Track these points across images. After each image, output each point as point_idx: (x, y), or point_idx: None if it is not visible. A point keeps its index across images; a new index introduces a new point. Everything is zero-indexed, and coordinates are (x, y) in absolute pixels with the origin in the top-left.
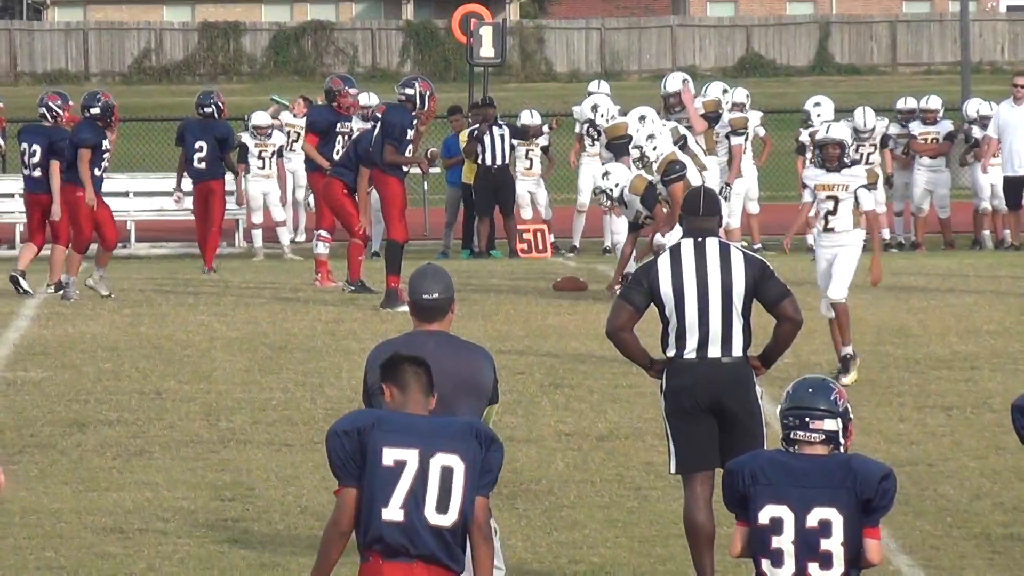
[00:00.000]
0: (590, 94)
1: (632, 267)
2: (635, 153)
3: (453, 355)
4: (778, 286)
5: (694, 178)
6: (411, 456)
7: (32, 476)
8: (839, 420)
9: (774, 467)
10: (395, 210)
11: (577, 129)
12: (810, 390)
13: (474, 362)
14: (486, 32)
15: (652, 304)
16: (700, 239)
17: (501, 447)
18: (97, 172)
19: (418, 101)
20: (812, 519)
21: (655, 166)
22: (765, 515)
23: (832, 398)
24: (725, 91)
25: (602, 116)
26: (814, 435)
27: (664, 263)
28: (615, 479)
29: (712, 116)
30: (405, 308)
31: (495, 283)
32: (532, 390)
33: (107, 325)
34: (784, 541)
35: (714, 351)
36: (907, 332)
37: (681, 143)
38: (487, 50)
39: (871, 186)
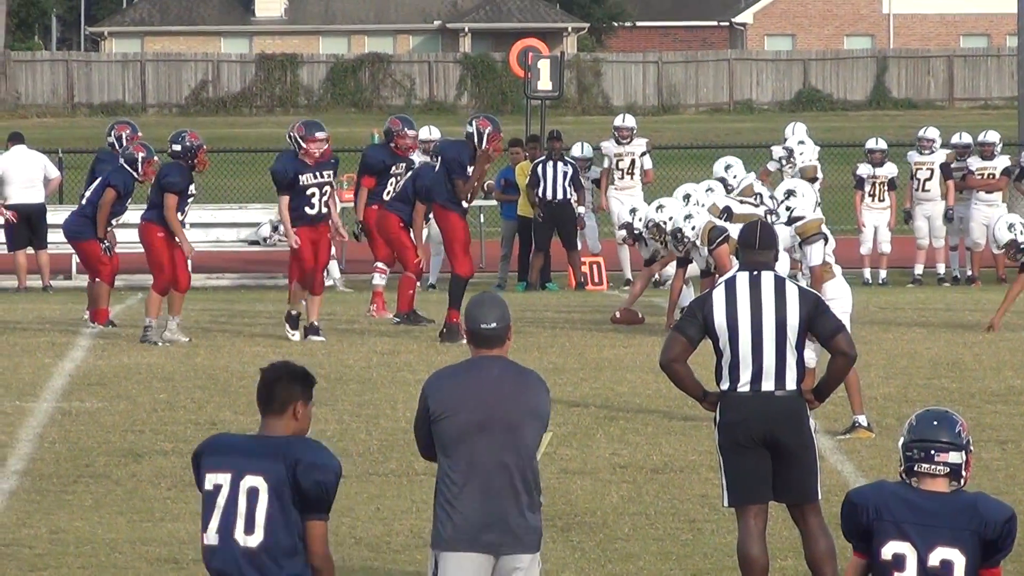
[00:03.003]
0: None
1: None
2: (677, 236)
3: (516, 381)
4: (832, 320)
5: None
6: (225, 479)
7: (87, 506)
8: (963, 453)
9: (898, 503)
10: (458, 245)
11: (606, 164)
12: (935, 423)
13: (536, 388)
14: (544, 65)
15: (707, 336)
16: (755, 272)
17: (323, 468)
18: (180, 216)
19: (476, 138)
20: (934, 558)
21: (697, 242)
22: (888, 551)
23: (957, 431)
24: (802, 142)
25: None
26: (939, 467)
27: (719, 296)
28: (669, 512)
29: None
30: (464, 342)
31: (550, 316)
32: (587, 422)
33: (162, 356)
34: None
35: (768, 385)
36: (962, 366)
37: (727, 213)
38: (544, 83)
39: (811, 238)
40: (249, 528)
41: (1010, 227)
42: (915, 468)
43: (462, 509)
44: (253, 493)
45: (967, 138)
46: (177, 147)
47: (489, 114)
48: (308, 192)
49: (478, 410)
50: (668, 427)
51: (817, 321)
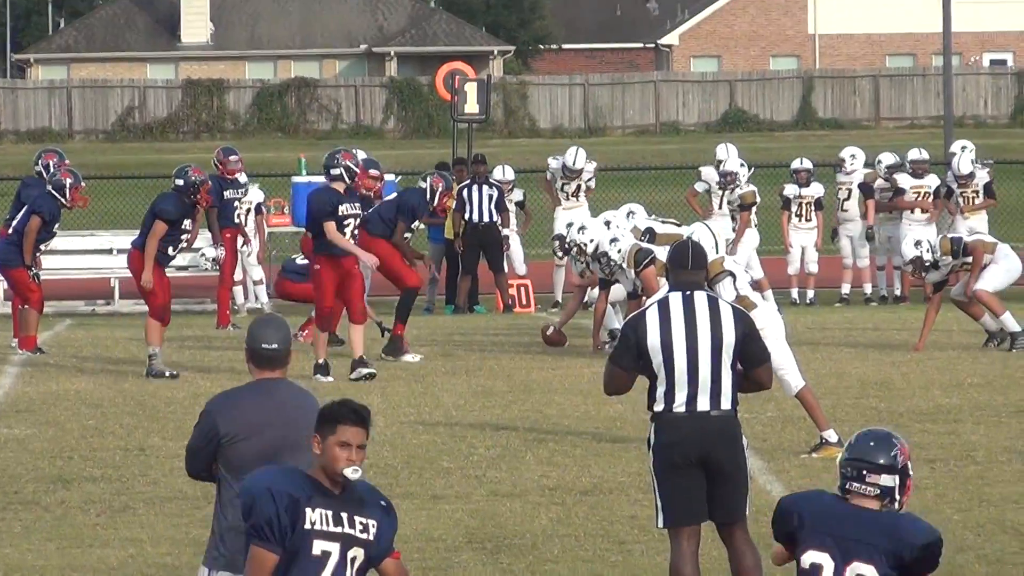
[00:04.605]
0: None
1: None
2: (603, 260)
3: (301, 402)
4: (762, 349)
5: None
6: None
7: (16, 533)
8: (896, 476)
9: (825, 513)
10: (397, 263)
11: (549, 176)
12: (872, 443)
13: (315, 407)
14: (470, 88)
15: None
16: (688, 292)
17: (240, 490)
18: (171, 251)
19: (429, 194)
20: (850, 572)
21: (624, 265)
22: (807, 559)
23: (892, 453)
24: (743, 164)
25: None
26: (869, 488)
27: (653, 317)
28: (599, 533)
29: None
30: (408, 357)
31: (479, 339)
32: (516, 444)
33: (91, 382)
34: None
35: (703, 405)
36: (890, 385)
37: (649, 234)
38: (471, 106)
39: (717, 278)
40: None
41: (916, 244)
42: (847, 486)
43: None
44: None
45: (890, 158)
46: (180, 181)
47: (443, 172)
48: (345, 223)
49: (274, 433)
50: (597, 449)
51: (748, 345)
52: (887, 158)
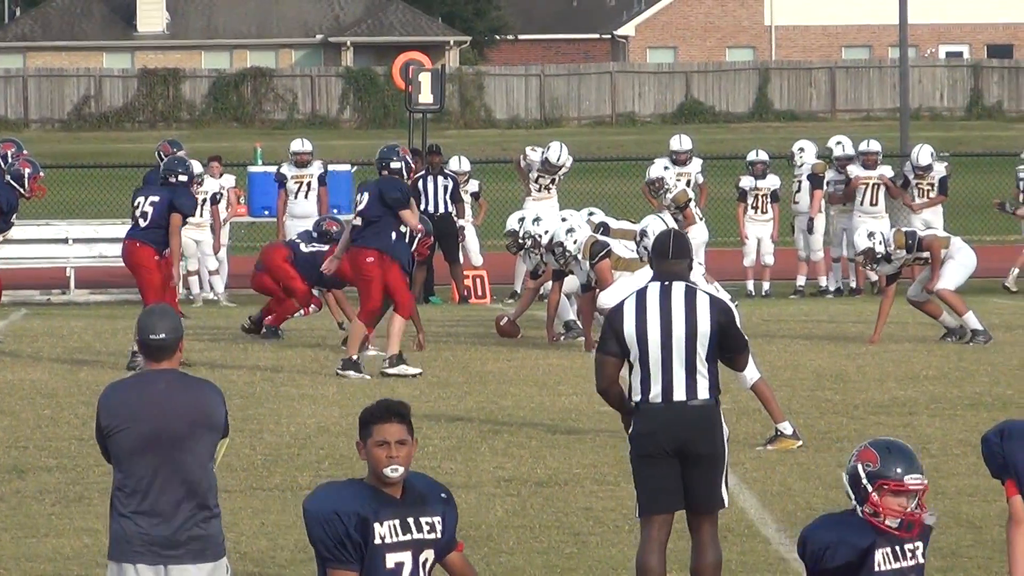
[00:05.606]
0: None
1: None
2: (558, 250)
3: (184, 392)
4: (739, 337)
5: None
6: None
7: None
8: (846, 475)
9: None
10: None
11: (522, 165)
12: None
13: (206, 398)
14: (425, 79)
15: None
16: (667, 283)
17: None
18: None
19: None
20: None
21: (579, 256)
22: None
23: (850, 454)
24: (667, 168)
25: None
26: None
27: (630, 307)
28: (554, 525)
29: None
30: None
31: (434, 329)
32: (471, 436)
33: (46, 371)
34: None
35: (679, 395)
36: (845, 378)
37: (603, 228)
38: (426, 96)
39: None
40: None
41: (870, 235)
42: None
43: (134, 521)
44: None
45: (849, 148)
46: (184, 177)
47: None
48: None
49: (144, 424)
50: (552, 440)
51: (726, 334)
52: (838, 150)
